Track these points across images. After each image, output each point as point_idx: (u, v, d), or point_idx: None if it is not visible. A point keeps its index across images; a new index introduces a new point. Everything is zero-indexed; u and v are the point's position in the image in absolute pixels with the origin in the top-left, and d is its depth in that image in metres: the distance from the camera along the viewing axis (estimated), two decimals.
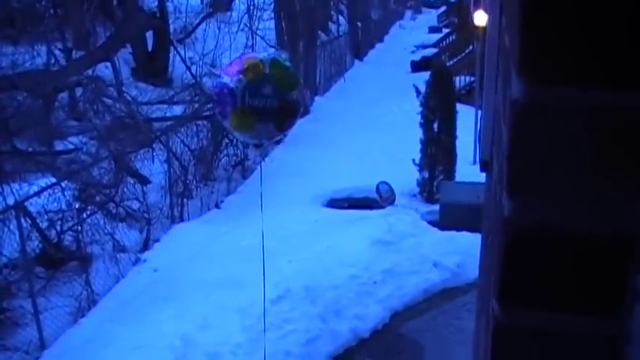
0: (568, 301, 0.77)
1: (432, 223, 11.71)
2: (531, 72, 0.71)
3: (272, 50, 17.86)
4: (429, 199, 13.09)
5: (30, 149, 12.76)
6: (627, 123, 0.69)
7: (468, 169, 13.00)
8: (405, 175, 13.16)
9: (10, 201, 10.00)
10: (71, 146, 13.16)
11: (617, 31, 0.66)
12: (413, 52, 30.88)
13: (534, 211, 0.75)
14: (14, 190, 10.58)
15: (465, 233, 10.55)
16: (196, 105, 15.59)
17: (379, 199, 12.88)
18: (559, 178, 0.73)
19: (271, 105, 5.85)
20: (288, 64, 6.14)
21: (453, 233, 10.83)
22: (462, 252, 10.32)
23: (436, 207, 12.34)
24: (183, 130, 13.90)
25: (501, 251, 0.78)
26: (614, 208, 0.72)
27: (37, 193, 10.10)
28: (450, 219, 11.40)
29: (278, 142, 15.30)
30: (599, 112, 0.70)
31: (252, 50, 19.90)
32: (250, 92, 5.82)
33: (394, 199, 12.88)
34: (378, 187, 12.97)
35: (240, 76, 5.84)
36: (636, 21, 0.66)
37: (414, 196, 13.35)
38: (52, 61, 15.62)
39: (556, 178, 0.73)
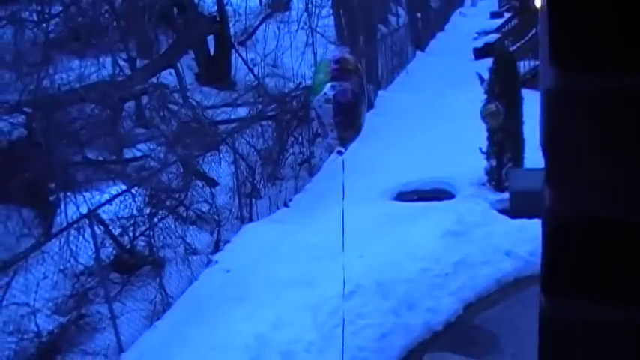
0: (615, 291, 0.73)
1: (502, 211, 11.51)
2: (562, 59, 0.67)
3: (334, 48, 17.86)
4: (498, 188, 12.87)
5: (100, 158, 13.05)
6: None
7: (536, 156, 12.68)
8: (473, 165, 12.98)
9: (84, 210, 10.24)
10: (140, 153, 13.41)
11: None
12: (475, 39, 30.45)
13: (574, 200, 0.71)
14: (87, 200, 10.84)
15: (536, 221, 10.27)
16: (260, 106, 15.69)
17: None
18: (596, 165, 0.69)
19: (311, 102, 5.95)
20: (326, 70, 6.05)
21: (524, 221, 10.61)
22: (533, 240, 10.09)
23: (506, 195, 12.13)
24: (248, 131, 14.01)
25: (545, 242, 0.75)
26: None
27: (109, 201, 10.34)
28: (520, 207, 11.18)
29: None
30: (633, 97, 0.65)
31: (313, 48, 19.97)
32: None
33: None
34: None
35: None
36: None
37: (483, 185, 13.15)
38: (118, 71, 15.95)
39: (593, 166, 0.69)
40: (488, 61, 14.71)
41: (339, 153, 6.51)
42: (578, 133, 0.69)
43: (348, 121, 6.12)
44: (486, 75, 13.26)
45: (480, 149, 13.08)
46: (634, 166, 0.67)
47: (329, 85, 5.91)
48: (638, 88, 0.65)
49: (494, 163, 13.07)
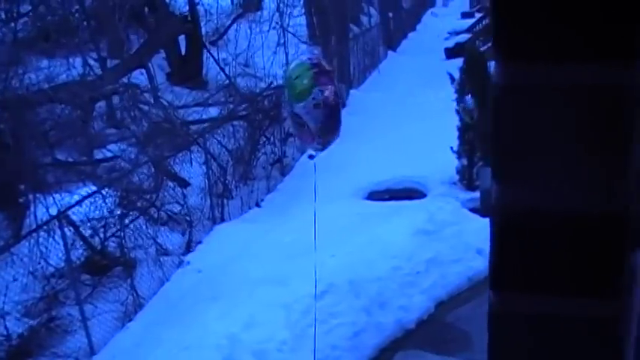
0: (565, 284, 0.74)
1: (473, 210, 11.58)
2: (506, 51, 0.68)
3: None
4: (469, 187, 12.94)
5: (70, 159, 12.94)
6: (607, 98, 0.65)
7: None
8: (445, 164, 13.04)
9: (54, 211, 10.14)
10: (110, 154, 13.31)
11: (592, 5, 0.63)
12: (446, 39, 30.57)
13: (522, 194, 0.72)
14: (57, 201, 10.74)
15: None
16: (231, 106, 15.65)
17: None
18: (544, 159, 0.70)
19: (289, 110, 5.89)
20: (308, 74, 5.95)
21: None
22: None
23: (476, 194, 12.20)
24: (219, 131, 13.97)
25: (493, 237, 0.75)
26: (602, 187, 0.68)
27: (79, 202, 10.25)
28: (490, 205, 11.25)
29: None
30: (578, 88, 0.67)
31: (284, 48, 19.96)
32: (284, 92, 5.93)
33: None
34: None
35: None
36: None
37: (454, 183, 13.22)
38: (88, 71, 15.81)
39: (541, 159, 0.70)
40: (459, 61, 14.78)
41: (310, 157, 6.49)
42: (523, 125, 0.69)
43: (333, 125, 6.11)
44: (457, 74, 13.33)
45: (451, 148, 13.15)
46: (580, 158, 0.68)
47: (316, 89, 5.85)
48: (583, 79, 0.66)
49: (465, 161, 13.15)
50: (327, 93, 5.96)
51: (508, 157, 0.72)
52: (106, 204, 10.98)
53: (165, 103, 15.46)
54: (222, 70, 18.93)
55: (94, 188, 11.01)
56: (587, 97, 0.66)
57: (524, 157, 0.71)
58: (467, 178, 13.13)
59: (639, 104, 0.64)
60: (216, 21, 21.99)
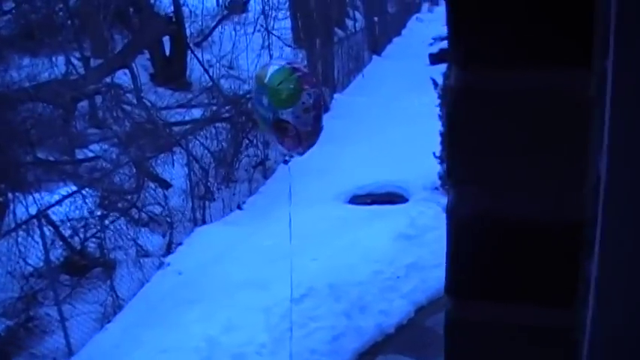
0: (519, 292, 0.74)
1: None
2: (462, 56, 0.68)
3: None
4: None
5: (51, 159, 12.85)
6: (561, 105, 0.65)
7: None
8: (427, 169, 13.06)
9: (33, 211, 10.07)
10: (92, 154, 13.24)
11: (545, 12, 0.63)
12: (431, 44, 30.61)
13: (476, 200, 0.72)
14: (37, 200, 10.66)
15: None
16: (215, 107, 15.61)
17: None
18: (499, 165, 0.69)
19: (268, 117, 5.82)
20: (293, 78, 5.89)
21: None
22: None
23: None
24: (202, 132, 13.93)
25: (448, 243, 0.75)
26: (558, 195, 0.68)
27: (59, 202, 10.19)
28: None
29: None
30: (532, 94, 0.67)
31: (269, 50, 19.95)
32: (256, 99, 5.83)
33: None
34: None
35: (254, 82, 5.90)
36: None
37: (436, 189, 13.24)
38: (71, 70, 15.72)
39: (496, 165, 0.70)
40: (443, 67, 14.83)
41: (285, 162, 6.48)
42: (477, 130, 0.69)
43: (318, 128, 6.10)
44: (440, 80, 13.37)
45: (434, 153, 13.17)
46: (533, 165, 0.68)
47: (305, 93, 5.82)
48: (535, 84, 0.66)
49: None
50: (315, 96, 5.97)
51: (462, 161, 0.72)
52: (87, 204, 10.91)
53: (148, 104, 15.40)
54: (206, 71, 18.89)
55: (74, 188, 10.94)
56: (541, 103, 0.66)
57: (478, 161, 0.71)
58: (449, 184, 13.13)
59: (594, 111, 0.64)
60: (201, 22, 21.95)
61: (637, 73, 0.57)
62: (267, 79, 5.84)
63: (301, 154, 6.33)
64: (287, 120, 5.83)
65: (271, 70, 5.94)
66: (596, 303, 0.66)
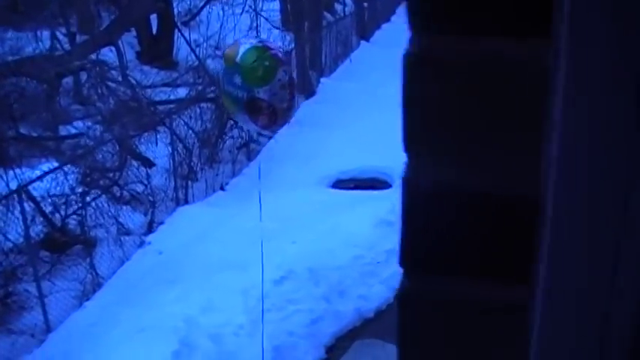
0: (471, 267, 0.73)
1: None
2: (417, 21, 0.67)
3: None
4: None
5: (34, 134, 12.76)
6: (519, 75, 0.64)
7: None
8: None
9: (14, 186, 10.00)
10: (75, 131, 13.15)
11: None
12: None
13: (431, 172, 0.71)
14: (18, 176, 10.59)
15: None
16: (200, 87, 15.53)
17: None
18: (453, 135, 0.68)
19: (241, 96, 5.78)
20: (267, 56, 5.87)
21: None
22: None
23: None
24: (187, 112, 13.86)
25: (401, 214, 0.74)
26: (510, 169, 0.67)
27: (40, 178, 10.13)
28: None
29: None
30: (489, 63, 0.65)
31: (257, 32, 19.85)
32: (226, 79, 5.79)
33: None
34: None
35: (223, 61, 5.85)
36: None
37: None
38: (56, 45, 15.59)
39: (450, 135, 0.68)
40: None
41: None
42: (432, 98, 0.68)
43: (292, 104, 6.12)
44: None
45: None
46: (490, 137, 0.68)
47: (281, 70, 5.82)
48: (494, 53, 0.65)
49: None
50: (289, 74, 5.99)
51: (415, 130, 0.71)
52: (68, 181, 10.85)
53: (134, 82, 15.30)
54: (193, 51, 18.77)
55: (56, 165, 10.87)
56: (496, 75, 0.65)
57: (432, 133, 0.70)
58: None
59: (550, 83, 0.63)
60: (189, 1, 21.80)
61: (591, 43, 0.56)
62: (238, 57, 5.80)
63: (275, 131, 6.36)
64: (262, 98, 5.82)
65: (243, 49, 5.90)
66: (547, 277, 0.65)
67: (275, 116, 5.96)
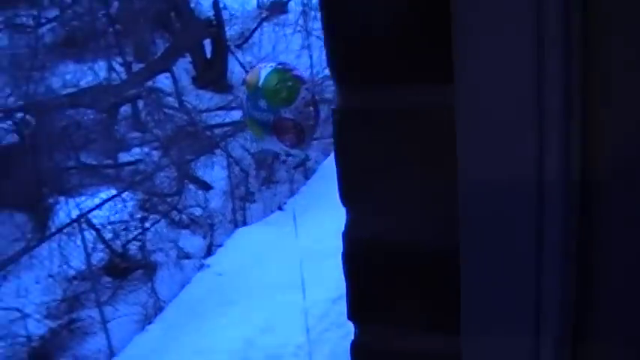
0: (406, 317, 0.70)
1: None
2: (341, 75, 0.65)
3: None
4: None
5: (94, 163, 13.04)
6: (428, 123, 0.61)
7: None
8: None
9: (75, 215, 10.23)
10: (134, 158, 13.39)
11: (415, 31, 0.59)
12: None
13: (366, 222, 0.68)
14: (79, 204, 10.83)
15: None
16: None
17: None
18: (381, 186, 0.66)
19: (267, 119, 5.82)
20: (288, 77, 5.93)
21: None
22: None
23: None
24: (242, 134, 13.96)
25: (343, 266, 0.72)
26: (432, 218, 0.63)
27: (99, 205, 10.34)
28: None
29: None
30: (405, 112, 0.63)
31: (308, 51, 19.93)
32: (251, 105, 5.85)
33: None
34: None
35: (244, 87, 5.89)
36: (428, 19, 0.59)
37: None
38: (113, 75, 15.92)
39: (378, 187, 0.66)
40: None
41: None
42: (360, 150, 0.66)
43: (318, 120, 6.17)
44: None
45: None
46: (407, 185, 0.64)
47: (303, 88, 5.88)
48: (405, 103, 0.62)
49: None
50: (311, 91, 6.04)
51: (348, 183, 0.69)
52: (127, 207, 11.04)
53: (189, 107, 15.51)
54: (247, 72, 18.92)
55: (115, 192, 11.09)
56: (414, 122, 0.63)
57: (364, 183, 0.67)
58: None
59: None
60: (241, 25, 22.03)
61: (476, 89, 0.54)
62: (260, 82, 5.85)
63: (303, 149, 6.39)
64: (289, 117, 5.87)
65: (264, 72, 5.95)
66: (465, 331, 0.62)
67: (302, 134, 6.00)
